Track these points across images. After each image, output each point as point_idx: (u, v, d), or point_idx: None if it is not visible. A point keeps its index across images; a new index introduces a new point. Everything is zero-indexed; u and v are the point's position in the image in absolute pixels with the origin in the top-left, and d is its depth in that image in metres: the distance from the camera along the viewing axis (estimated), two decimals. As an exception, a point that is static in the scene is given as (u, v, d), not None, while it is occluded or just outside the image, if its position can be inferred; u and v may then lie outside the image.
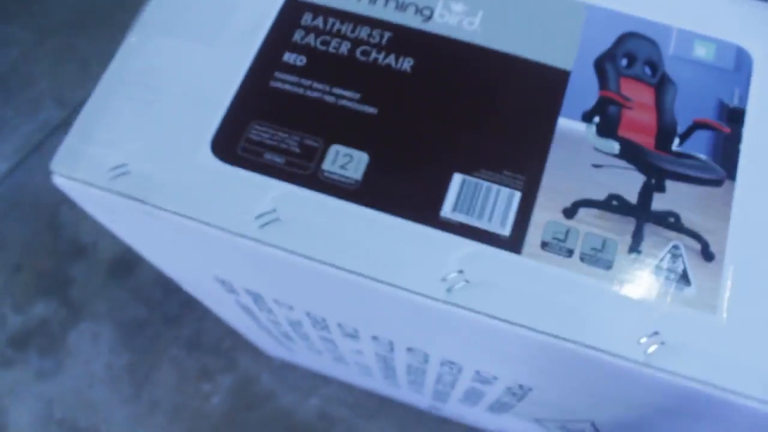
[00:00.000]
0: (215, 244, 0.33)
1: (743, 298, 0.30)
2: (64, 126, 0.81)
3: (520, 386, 0.39)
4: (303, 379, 0.71)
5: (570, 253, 0.31)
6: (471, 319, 0.30)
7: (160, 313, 0.73)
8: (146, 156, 0.33)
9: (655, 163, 0.33)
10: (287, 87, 0.34)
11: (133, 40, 0.36)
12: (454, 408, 0.57)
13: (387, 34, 0.35)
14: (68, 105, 0.81)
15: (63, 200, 0.78)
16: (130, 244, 0.41)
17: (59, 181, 0.34)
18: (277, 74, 0.35)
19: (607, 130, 0.33)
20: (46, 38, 0.85)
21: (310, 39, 0.35)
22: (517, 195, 0.32)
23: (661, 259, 0.31)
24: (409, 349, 0.40)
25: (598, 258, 0.31)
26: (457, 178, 0.32)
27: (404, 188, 0.32)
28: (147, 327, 0.72)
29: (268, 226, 0.31)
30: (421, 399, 0.59)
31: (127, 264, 0.75)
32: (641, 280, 0.31)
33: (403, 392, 0.59)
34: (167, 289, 0.74)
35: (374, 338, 0.40)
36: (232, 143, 0.33)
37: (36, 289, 0.74)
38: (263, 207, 0.32)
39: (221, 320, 0.66)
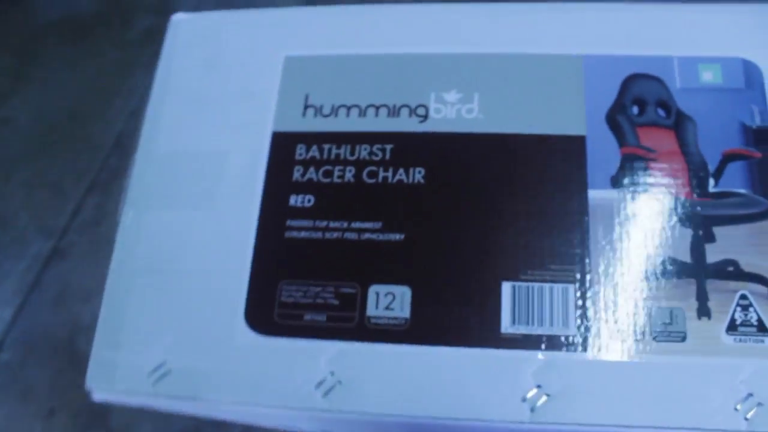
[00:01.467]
0: (279, 419, 0.32)
1: (825, 329, 0.29)
2: (56, 256, 0.78)
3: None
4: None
5: (642, 336, 0.30)
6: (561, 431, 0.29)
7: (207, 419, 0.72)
8: (183, 349, 0.31)
9: (698, 212, 0.32)
10: (303, 234, 0.33)
11: (127, 223, 0.34)
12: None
13: (388, 147, 0.34)
14: (54, 233, 0.79)
15: (77, 331, 0.76)
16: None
17: (100, 396, 0.32)
18: (289, 222, 0.33)
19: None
20: (12, 172, 0.82)
21: (312, 173, 0.34)
22: (571, 288, 0.31)
23: (733, 315, 0.30)
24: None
25: (669, 332, 0.30)
26: (506, 288, 0.31)
27: (456, 313, 0.31)
28: (199, 435, 0.71)
29: (331, 393, 0.30)
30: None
31: (160, 378, 0.73)
32: (719, 344, 0.29)
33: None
34: (207, 390, 0.72)
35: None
36: (267, 312, 0.31)
37: (77, 428, 0.72)
38: (320, 374, 0.30)
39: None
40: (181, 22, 0.38)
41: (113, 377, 0.32)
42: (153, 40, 0.91)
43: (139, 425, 0.71)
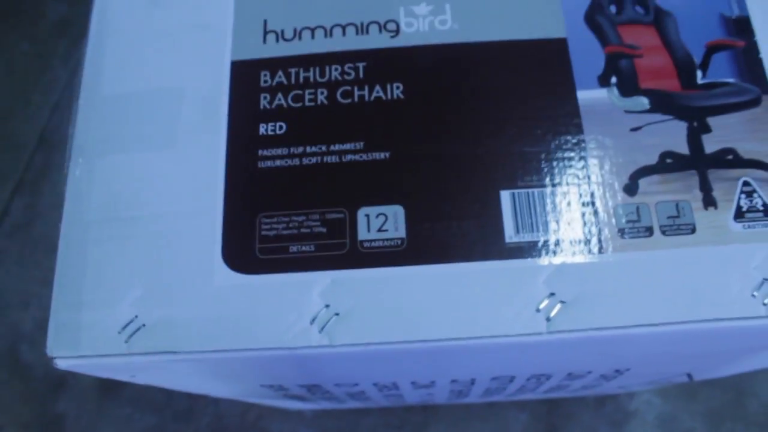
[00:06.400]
0: (272, 364, 0.29)
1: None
2: (-15, 261, 0.72)
3: (616, 371, 0.37)
4: (341, 420, 0.67)
5: (650, 231, 0.28)
6: (580, 339, 0.27)
7: (170, 414, 0.67)
8: (155, 299, 0.28)
9: (689, 104, 0.30)
10: (278, 163, 0.30)
11: (77, 172, 0.31)
12: (518, 396, 0.54)
13: (361, 65, 0.31)
14: (-20, 237, 0.73)
15: (18, 339, 0.70)
16: (157, 385, 0.36)
17: (64, 364, 0.28)
18: (261, 152, 0.30)
19: (628, 87, 0.31)
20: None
21: (280, 99, 0.31)
22: (573, 190, 0.29)
23: (738, 202, 0.29)
24: (494, 378, 0.37)
25: (678, 226, 0.28)
26: (505, 196, 0.29)
27: (455, 228, 0.28)
28: (163, 433, 0.66)
29: (328, 327, 0.27)
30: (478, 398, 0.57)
31: (115, 379, 0.68)
32: (728, 232, 0.28)
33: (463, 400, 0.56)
34: (167, 386, 0.68)
35: (453, 381, 0.37)
36: (247, 248, 0.28)
37: (28, 443, 0.66)
38: (314, 308, 0.27)
39: (237, 397, 0.61)
40: (115, -45, 0.34)
41: (78, 340, 0.28)
42: (67, 30, 0.86)
43: (99, 428, 0.67)
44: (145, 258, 0.29)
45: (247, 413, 0.68)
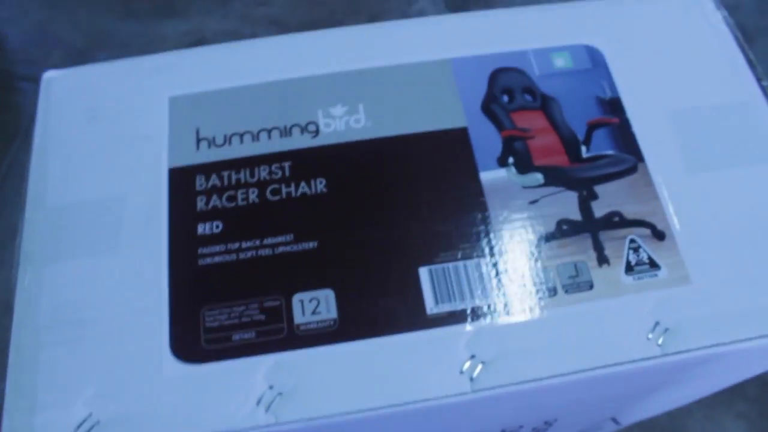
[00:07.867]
0: (224, 448, 0.31)
1: (703, 257, 0.33)
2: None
3: (545, 422, 0.40)
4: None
5: (554, 291, 0.32)
6: (502, 394, 0.30)
7: None
8: (108, 396, 0.30)
9: (577, 176, 0.35)
10: (218, 259, 0.32)
11: (26, 281, 0.33)
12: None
13: (287, 164, 0.35)
14: None
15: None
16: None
17: (23, 468, 0.29)
18: (201, 250, 0.33)
19: (524, 165, 0.35)
20: None
21: (216, 201, 0.34)
22: (483, 262, 0.32)
23: (627, 258, 0.33)
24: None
25: (578, 284, 0.32)
26: (423, 273, 0.32)
27: (381, 305, 0.31)
28: None
29: (273, 406, 0.29)
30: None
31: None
32: (621, 285, 0.32)
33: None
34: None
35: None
36: (193, 341, 0.31)
37: None
38: (259, 390, 0.30)
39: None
40: (53, 79, 0.37)
41: (34, 443, 0.29)
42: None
43: None
44: (96, 357, 0.31)
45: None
